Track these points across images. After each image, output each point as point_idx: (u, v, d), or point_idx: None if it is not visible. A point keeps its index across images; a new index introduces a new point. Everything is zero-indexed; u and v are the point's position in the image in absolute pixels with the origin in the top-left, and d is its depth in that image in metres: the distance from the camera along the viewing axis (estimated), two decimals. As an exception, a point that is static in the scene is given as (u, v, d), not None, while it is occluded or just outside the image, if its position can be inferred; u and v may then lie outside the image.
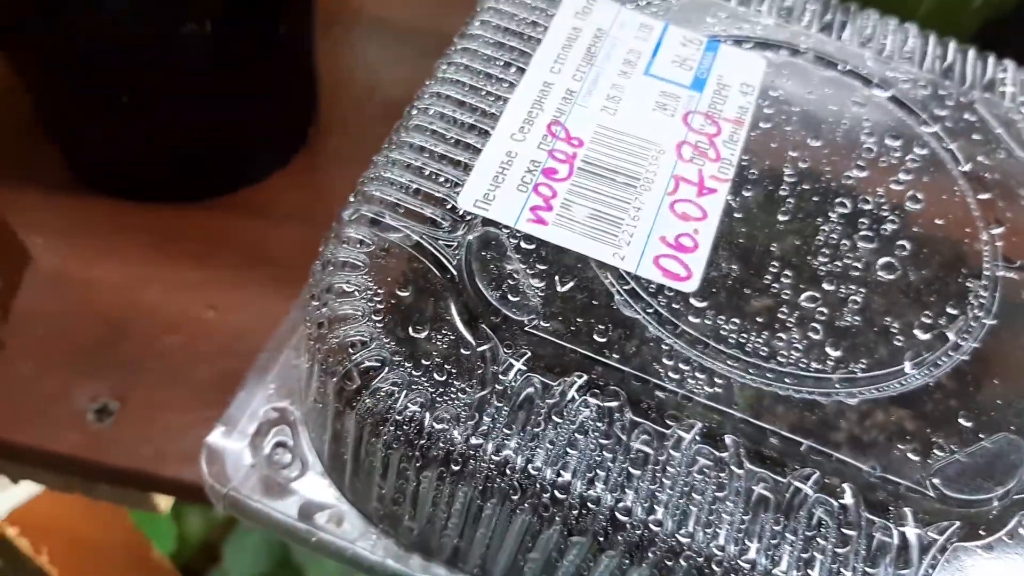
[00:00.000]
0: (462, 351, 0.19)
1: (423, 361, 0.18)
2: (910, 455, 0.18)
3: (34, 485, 0.42)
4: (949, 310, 0.20)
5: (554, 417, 0.18)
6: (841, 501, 0.18)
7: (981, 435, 0.19)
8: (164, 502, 0.35)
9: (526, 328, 0.19)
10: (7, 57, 0.30)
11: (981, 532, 0.18)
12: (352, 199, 0.21)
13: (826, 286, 0.20)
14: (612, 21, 0.24)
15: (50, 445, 0.28)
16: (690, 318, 0.19)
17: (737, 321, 0.19)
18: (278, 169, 0.34)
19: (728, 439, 0.18)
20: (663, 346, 0.19)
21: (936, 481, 0.18)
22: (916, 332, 0.20)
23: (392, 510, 0.20)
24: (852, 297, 0.20)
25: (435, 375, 0.18)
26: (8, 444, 0.28)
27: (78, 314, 0.31)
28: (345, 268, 0.19)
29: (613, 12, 0.24)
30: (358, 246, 0.20)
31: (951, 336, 0.20)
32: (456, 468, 0.18)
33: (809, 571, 0.17)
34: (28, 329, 0.30)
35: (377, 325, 0.19)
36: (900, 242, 0.21)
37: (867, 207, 0.22)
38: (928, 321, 0.20)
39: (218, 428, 0.22)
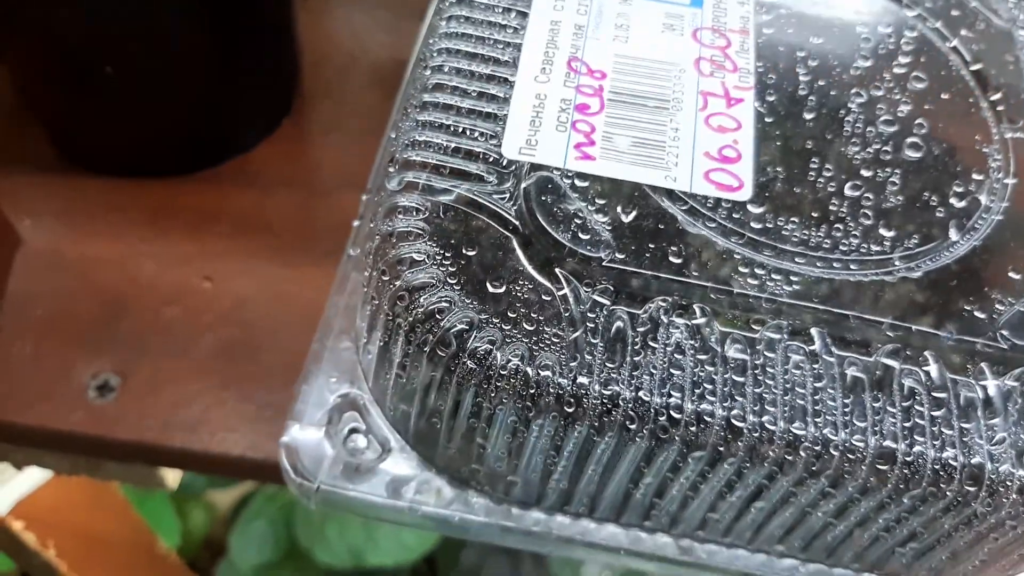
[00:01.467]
0: (544, 297, 0.19)
1: (510, 315, 0.18)
2: (977, 314, 0.19)
3: (38, 476, 0.40)
4: (975, 176, 0.21)
5: (649, 343, 0.18)
6: (926, 369, 0.19)
7: (1032, 284, 0.20)
8: (172, 477, 0.34)
9: (604, 263, 0.19)
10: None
11: (1051, 371, 0.19)
12: (391, 168, 0.21)
13: (864, 172, 0.21)
14: (598, -48, 0.24)
15: (53, 424, 0.28)
16: (752, 224, 0.20)
17: (796, 220, 0.20)
18: (265, 138, 0.34)
19: (814, 331, 0.19)
20: (735, 256, 0.19)
21: (1005, 333, 0.19)
22: (952, 201, 0.21)
23: (494, 468, 0.20)
24: (890, 179, 0.21)
25: (525, 325, 0.18)
26: (11, 426, 0.28)
27: (74, 293, 0.30)
28: (409, 238, 0.19)
29: (597, -57, 0.24)
30: (415, 214, 0.19)
31: (983, 199, 0.21)
32: (569, 411, 0.18)
33: (916, 437, 0.18)
34: (24, 311, 0.30)
35: (456, 288, 0.19)
36: (917, 120, 0.22)
37: (879, 93, 0.22)
38: (960, 189, 0.21)
39: (291, 425, 0.22)
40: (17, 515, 0.38)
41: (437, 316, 0.18)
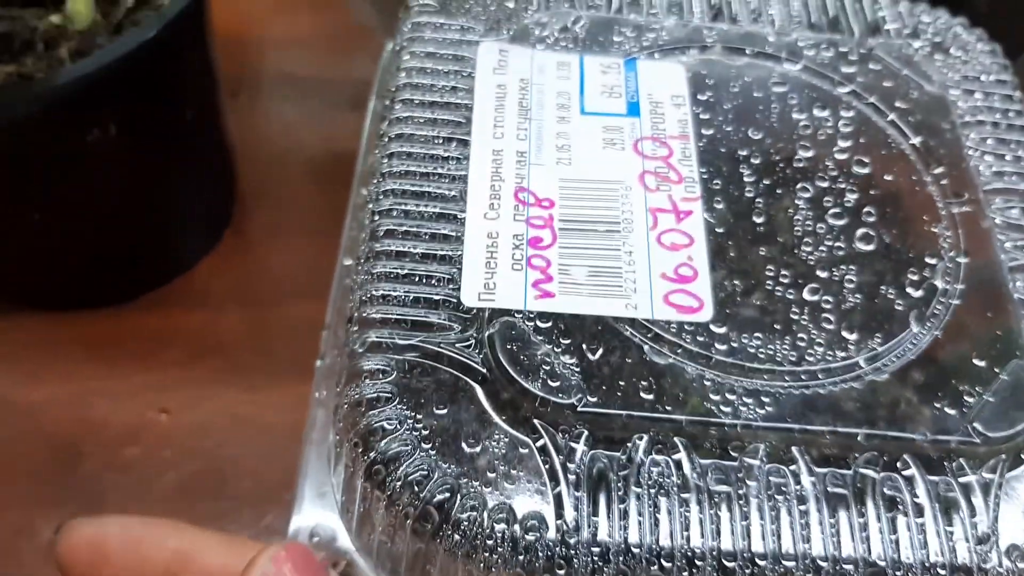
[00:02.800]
0: (522, 451, 0.18)
1: (489, 474, 0.18)
2: (948, 410, 0.20)
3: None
4: (928, 259, 0.22)
5: (632, 487, 0.18)
6: (905, 474, 0.19)
7: (996, 369, 0.20)
8: None
9: (577, 409, 0.19)
10: None
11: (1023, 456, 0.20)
12: (352, 328, 0.20)
13: (820, 273, 0.21)
14: (530, 67, 0.24)
15: None
16: (717, 346, 0.20)
17: (760, 335, 0.20)
18: (207, 253, 0.33)
19: (794, 451, 0.19)
20: (705, 382, 0.19)
21: (978, 426, 0.20)
22: (909, 290, 0.21)
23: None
24: (846, 277, 0.21)
25: (506, 484, 0.18)
26: None
27: (26, 441, 0.29)
28: (378, 404, 0.19)
29: (527, 57, 0.24)
30: (381, 376, 0.19)
31: (938, 283, 0.21)
32: (562, 571, 0.18)
33: (900, 548, 0.18)
34: (-24, 467, 0.29)
35: (431, 453, 0.18)
36: (865, 209, 0.22)
37: (825, 184, 0.23)
38: (915, 276, 0.21)
39: None
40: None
41: (415, 488, 0.18)
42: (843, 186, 0.23)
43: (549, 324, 0.20)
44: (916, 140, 0.24)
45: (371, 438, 0.19)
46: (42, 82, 0.24)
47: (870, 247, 0.22)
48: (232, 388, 0.31)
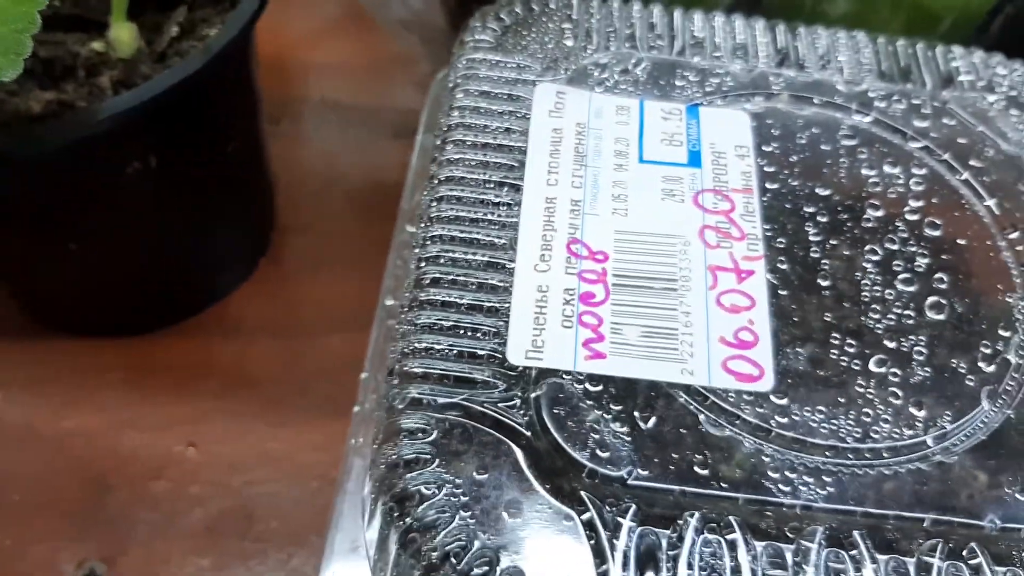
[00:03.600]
0: (566, 523, 0.17)
1: (531, 549, 0.17)
2: (1019, 496, 0.18)
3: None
4: (1001, 332, 0.20)
5: (683, 568, 0.17)
6: (971, 562, 0.18)
7: (1075, 455, 0.19)
8: None
9: (627, 482, 0.18)
10: None
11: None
12: (392, 380, 0.19)
13: (888, 343, 0.20)
14: (588, 111, 0.23)
15: None
16: (778, 418, 0.19)
17: (823, 409, 0.19)
18: (244, 281, 0.32)
19: (855, 536, 0.18)
20: (764, 457, 0.18)
21: (1053, 518, 0.18)
22: (981, 365, 0.20)
23: None
24: (915, 348, 0.20)
25: (548, 560, 0.17)
26: None
27: (54, 472, 0.29)
28: (415, 466, 0.18)
29: (586, 100, 0.23)
30: (420, 436, 0.18)
31: (1012, 358, 0.20)
32: (605, 655, 0.17)
33: (970, 646, 0.17)
34: (3, 495, 0.28)
35: (470, 521, 0.17)
36: (937, 275, 0.21)
37: (894, 246, 0.21)
38: (987, 350, 0.20)
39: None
40: None
41: (453, 560, 0.17)
42: (913, 249, 0.21)
43: (599, 388, 0.19)
44: (991, 202, 0.23)
45: (407, 503, 0.18)
46: (84, 113, 0.23)
47: (940, 316, 0.20)
48: (263, 423, 0.30)
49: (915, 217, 0.22)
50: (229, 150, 0.28)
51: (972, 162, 0.23)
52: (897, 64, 0.25)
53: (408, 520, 0.18)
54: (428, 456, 0.18)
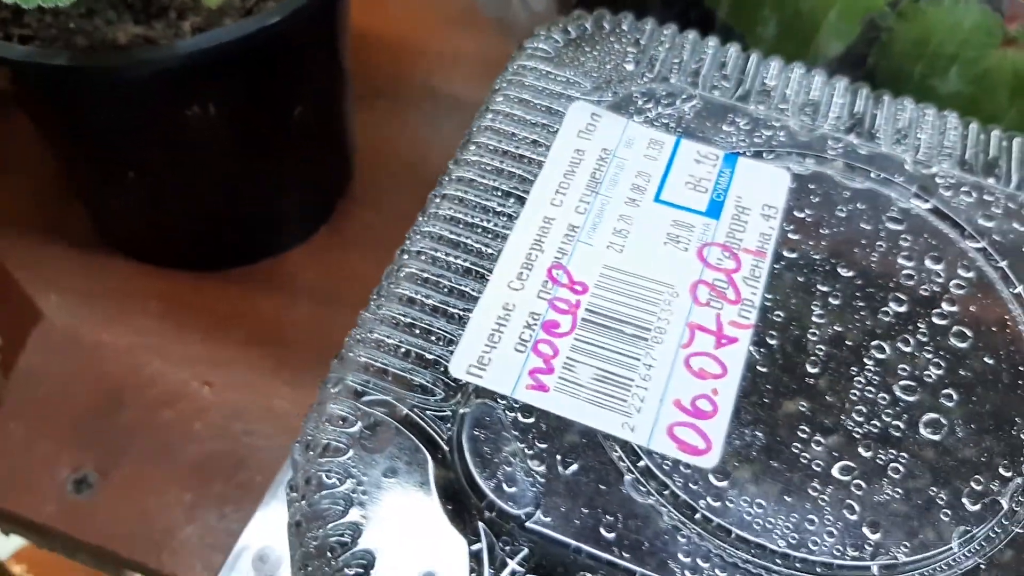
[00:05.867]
0: (454, 549, 0.17)
1: (412, 566, 0.17)
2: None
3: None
4: (1002, 471, 0.18)
5: (558, 628, 0.16)
6: None
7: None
8: None
9: (525, 524, 0.17)
10: (35, 125, 0.29)
11: None
12: (336, 363, 0.19)
13: (862, 452, 0.18)
14: (619, 139, 0.22)
15: (27, 513, 0.28)
16: (709, 500, 0.17)
17: (763, 503, 0.17)
18: (300, 243, 0.33)
19: (754, 648, 0.16)
20: (679, 538, 0.17)
21: None
22: (964, 501, 0.18)
23: None
24: (892, 464, 0.18)
25: (426, 579, 0.16)
26: None
27: (80, 379, 0.30)
28: (326, 453, 0.18)
29: (620, 128, 0.22)
30: (340, 424, 0.18)
31: (1004, 503, 0.18)
32: None
33: None
34: (28, 389, 0.30)
35: (360, 521, 0.17)
36: (945, 391, 0.19)
37: (907, 350, 0.19)
38: (978, 487, 0.18)
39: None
40: (19, 559, 0.39)
41: (329, 553, 0.17)
42: (928, 356, 0.19)
43: (531, 420, 0.18)
44: (1043, 327, 0.20)
45: (308, 485, 0.18)
46: (152, 49, 0.24)
47: (934, 436, 0.18)
48: (277, 380, 0.31)
49: (943, 323, 0.20)
50: (296, 113, 0.28)
51: (1034, 277, 0.21)
52: (984, 154, 0.23)
53: (303, 504, 0.17)
54: (343, 445, 0.18)
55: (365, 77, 0.36)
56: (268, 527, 0.23)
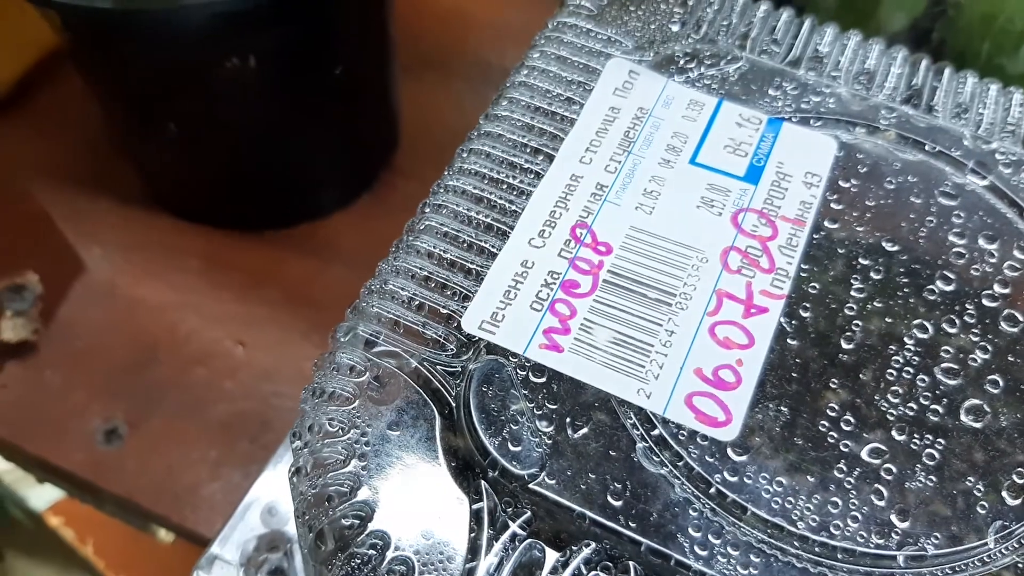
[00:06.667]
0: (455, 507, 0.16)
1: (410, 520, 0.16)
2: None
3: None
4: (1050, 466, 0.17)
5: (557, 596, 0.15)
6: None
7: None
8: (164, 532, 0.34)
9: (528, 485, 0.16)
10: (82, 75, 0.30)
11: None
12: (350, 312, 0.19)
13: (896, 435, 0.17)
14: (657, 98, 0.21)
15: (56, 460, 0.29)
16: (726, 475, 0.16)
17: (783, 481, 0.16)
18: (340, 209, 0.33)
19: (764, 632, 0.15)
20: (690, 511, 0.16)
21: None
22: (1004, 494, 0.16)
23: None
24: (928, 450, 0.17)
25: (421, 537, 0.16)
26: (20, 451, 0.29)
27: (116, 331, 0.31)
28: (332, 401, 0.17)
29: (658, 87, 0.21)
30: (348, 373, 0.18)
31: (1050, 500, 0.16)
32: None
33: None
34: (66, 339, 0.31)
35: (361, 473, 0.16)
36: (991, 377, 0.18)
37: (953, 330, 0.18)
38: (1021, 481, 0.17)
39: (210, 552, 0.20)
40: (56, 512, 0.40)
41: (327, 503, 0.16)
42: (976, 339, 0.18)
43: (542, 379, 0.17)
44: (1106, 315, 0.18)
45: (311, 432, 0.17)
46: (189, 5, 0.24)
47: (976, 423, 0.17)
48: (309, 343, 0.30)
49: (993, 304, 0.18)
50: (337, 72, 0.28)
51: (1100, 263, 0.19)
52: (1055, 132, 0.21)
53: (306, 451, 0.17)
54: (349, 395, 0.17)
55: (414, 47, 0.35)
56: (279, 481, 0.23)
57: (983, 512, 0.16)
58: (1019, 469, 0.17)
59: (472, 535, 0.16)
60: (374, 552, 0.16)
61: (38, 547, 0.42)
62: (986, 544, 0.16)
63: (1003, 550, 0.16)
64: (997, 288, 0.19)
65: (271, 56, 0.26)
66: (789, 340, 0.18)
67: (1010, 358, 0.18)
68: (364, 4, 0.28)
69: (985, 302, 0.18)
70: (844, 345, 0.18)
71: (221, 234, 0.32)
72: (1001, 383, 0.17)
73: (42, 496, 0.39)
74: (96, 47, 0.27)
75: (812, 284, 0.18)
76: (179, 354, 0.30)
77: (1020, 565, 0.16)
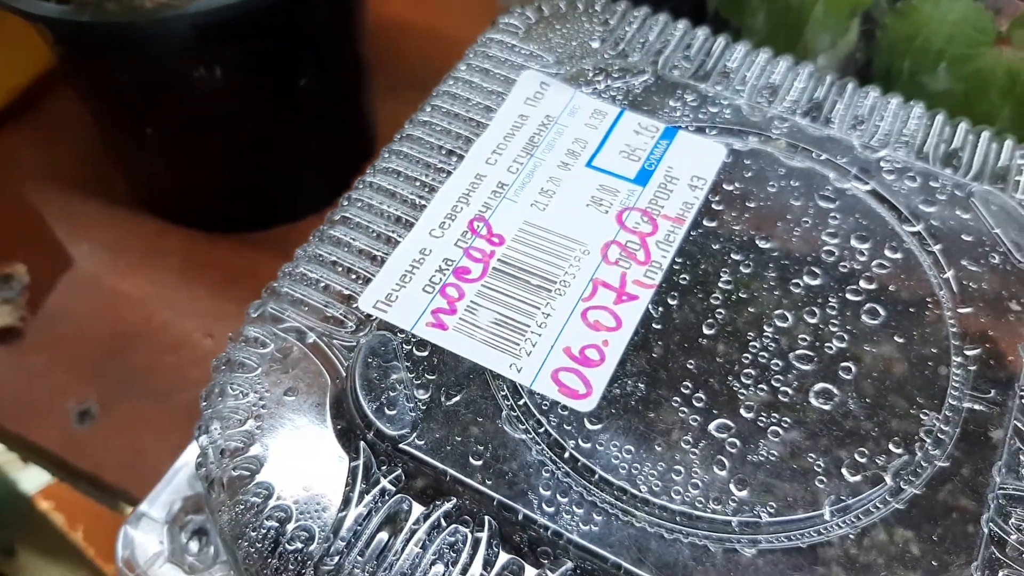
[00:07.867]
0: (336, 465, 0.18)
1: (294, 474, 0.18)
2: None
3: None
4: (892, 447, 0.18)
5: (413, 545, 0.17)
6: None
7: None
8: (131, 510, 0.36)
9: (399, 445, 0.18)
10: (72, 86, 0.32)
11: None
12: (265, 292, 0.21)
13: (744, 413, 0.18)
14: (564, 107, 0.23)
15: (33, 437, 0.31)
16: (579, 441, 0.18)
17: (631, 449, 0.18)
18: (315, 213, 0.35)
19: (599, 583, 0.16)
20: (543, 472, 0.17)
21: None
22: (844, 471, 0.18)
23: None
24: (773, 428, 0.18)
25: (302, 489, 0.18)
26: (3, 429, 0.31)
27: (98, 321, 0.33)
28: (237, 368, 0.19)
29: (567, 97, 0.23)
30: (255, 345, 0.19)
31: (888, 479, 0.17)
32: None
33: None
34: (52, 326, 0.33)
35: (255, 431, 0.18)
36: (845, 364, 0.19)
37: (812, 320, 0.19)
38: (862, 460, 0.18)
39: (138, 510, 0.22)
40: (46, 495, 0.41)
41: (221, 455, 0.18)
42: (834, 329, 0.19)
43: (425, 353, 0.19)
44: (965, 310, 0.20)
45: (212, 395, 0.19)
46: (155, 11, 0.27)
47: (824, 406, 0.18)
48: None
49: (856, 299, 0.20)
50: (302, 83, 0.30)
51: (965, 262, 0.20)
52: (945, 146, 0.23)
53: (209, 412, 0.19)
54: (253, 364, 0.19)
55: (395, 68, 0.38)
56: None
57: (822, 487, 0.17)
58: (861, 449, 0.18)
59: (347, 488, 0.18)
60: (258, 500, 0.17)
61: (49, 545, 0.44)
62: (821, 515, 0.17)
63: (839, 523, 0.17)
64: (862, 284, 0.20)
65: (239, 66, 0.29)
66: (654, 325, 0.19)
67: (866, 347, 0.19)
68: (328, 22, 0.31)
69: (849, 296, 0.20)
70: (705, 331, 0.19)
71: (200, 235, 0.35)
72: (854, 369, 0.19)
73: (32, 479, 0.41)
74: (82, 59, 0.29)
75: (683, 276, 0.20)
76: (152, 343, 0.32)
77: (852, 537, 0.17)
